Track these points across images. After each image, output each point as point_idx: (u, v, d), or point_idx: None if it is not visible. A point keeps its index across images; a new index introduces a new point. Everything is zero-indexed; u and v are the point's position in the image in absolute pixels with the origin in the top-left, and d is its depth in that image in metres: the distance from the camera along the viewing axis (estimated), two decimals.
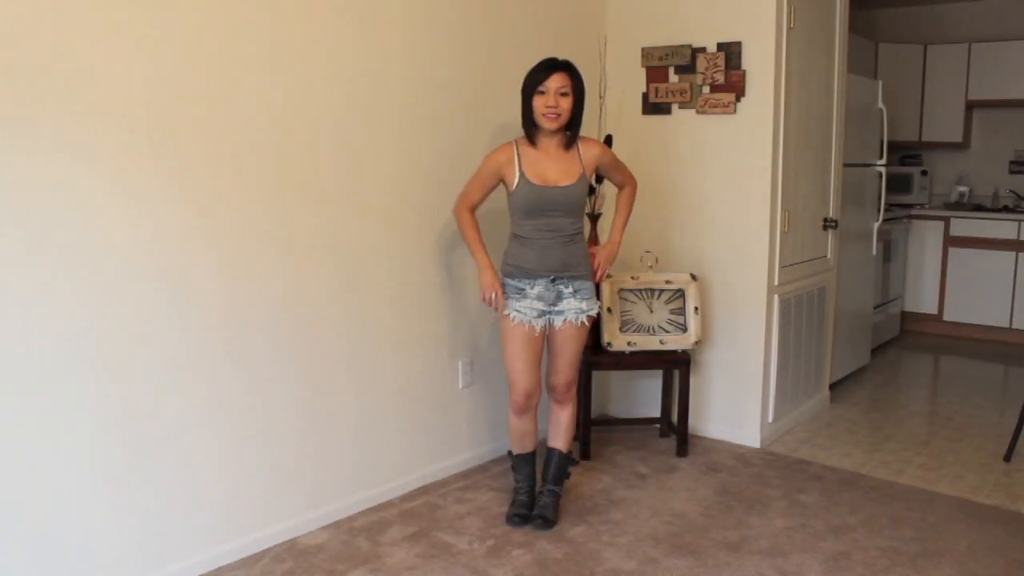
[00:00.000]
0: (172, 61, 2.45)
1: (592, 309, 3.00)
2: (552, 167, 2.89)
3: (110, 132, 2.33)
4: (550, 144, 2.92)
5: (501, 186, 2.99)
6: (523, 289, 2.95)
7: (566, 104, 2.85)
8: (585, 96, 2.93)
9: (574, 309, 2.97)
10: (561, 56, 2.94)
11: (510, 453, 3.17)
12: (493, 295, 2.94)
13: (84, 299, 2.32)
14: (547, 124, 2.85)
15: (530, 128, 2.91)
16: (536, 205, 2.88)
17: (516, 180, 2.88)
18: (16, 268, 2.19)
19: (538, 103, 2.84)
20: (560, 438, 3.10)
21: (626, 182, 3.18)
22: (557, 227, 2.90)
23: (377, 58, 3.03)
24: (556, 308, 2.97)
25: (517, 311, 2.95)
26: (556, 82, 2.83)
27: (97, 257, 2.34)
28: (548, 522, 3.00)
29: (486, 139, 3.37)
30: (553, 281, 2.94)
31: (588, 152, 2.97)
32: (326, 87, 2.88)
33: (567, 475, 3.15)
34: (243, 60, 2.63)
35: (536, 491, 3.14)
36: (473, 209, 3.02)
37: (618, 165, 3.14)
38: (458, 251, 3.38)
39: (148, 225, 2.45)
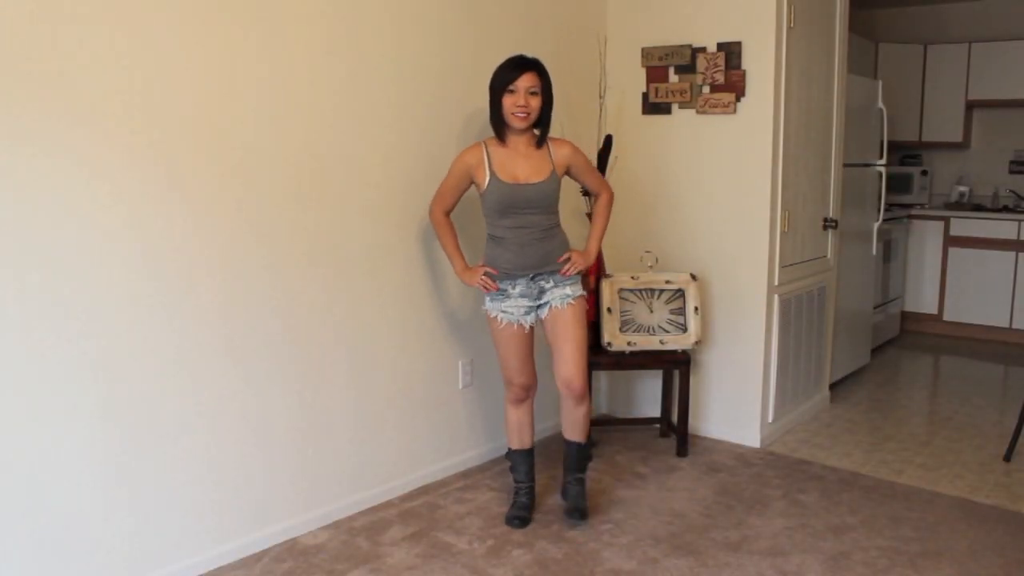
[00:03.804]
0: (170, 64, 2.45)
1: (578, 292, 2.99)
2: (522, 165, 2.89)
3: (110, 133, 2.33)
4: (519, 143, 2.92)
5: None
6: (505, 290, 2.96)
7: (536, 103, 2.85)
8: (553, 95, 2.93)
9: (559, 296, 2.96)
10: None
11: (508, 453, 3.17)
12: (483, 283, 2.95)
13: (83, 300, 2.32)
14: (516, 124, 2.85)
15: (499, 126, 2.91)
16: (509, 204, 2.88)
17: (487, 180, 2.89)
18: (16, 269, 2.19)
19: (507, 102, 2.84)
20: (577, 432, 3.08)
21: (601, 190, 3.12)
22: (532, 224, 2.90)
23: (376, 59, 3.03)
24: (541, 301, 2.98)
25: (504, 311, 2.96)
26: (526, 82, 2.82)
27: (96, 258, 2.34)
28: (583, 514, 3.01)
29: (484, 139, 3.37)
30: (533, 278, 2.95)
31: (558, 151, 2.96)
32: (324, 88, 2.88)
33: (589, 458, 3.17)
34: (239, 63, 2.63)
35: (560, 486, 3.14)
36: (447, 212, 3.05)
37: (590, 170, 3.11)
38: None
39: (147, 226, 2.45)
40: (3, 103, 2.12)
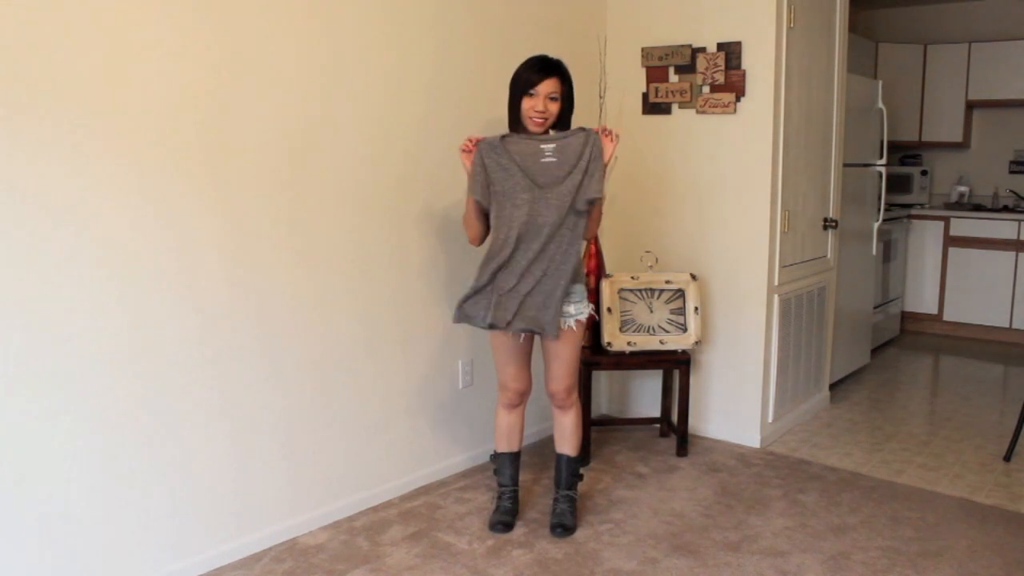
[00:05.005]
0: (184, 61, 2.45)
1: (581, 313, 2.88)
2: None
3: (122, 132, 2.33)
4: None
5: None
6: None
7: (554, 109, 2.79)
8: (574, 98, 2.87)
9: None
10: (561, 56, 2.92)
11: (493, 456, 3.13)
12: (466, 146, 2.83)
13: (83, 300, 2.32)
14: (532, 127, 2.81)
15: (516, 127, 2.85)
16: None
17: None
18: (15, 268, 2.19)
19: (526, 105, 2.78)
20: (567, 443, 3.03)
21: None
22: None
23: (377, 60, 3.03)
24: None
25: None
26: (548, 87, 2.76)
27: (96, 258, 2.34)
28: (568, 529, 2.97)
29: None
30: None
31: None
32: (334, 93, 2.88)
33: (580, 477, 3.11)
34: (255, 63, 2.63)
35: (553, 498, 3.10)
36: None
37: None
38: (458, 251, 3.38)
39: (155, 224, 2.45)
40: (11, 102, 2.12)
